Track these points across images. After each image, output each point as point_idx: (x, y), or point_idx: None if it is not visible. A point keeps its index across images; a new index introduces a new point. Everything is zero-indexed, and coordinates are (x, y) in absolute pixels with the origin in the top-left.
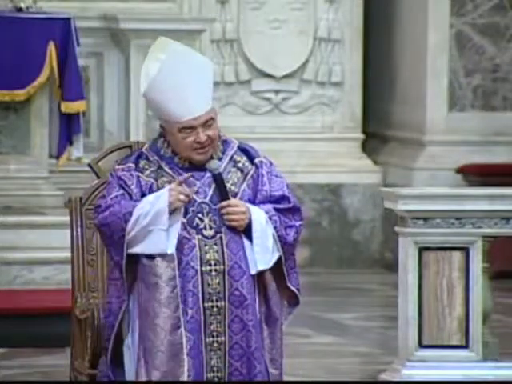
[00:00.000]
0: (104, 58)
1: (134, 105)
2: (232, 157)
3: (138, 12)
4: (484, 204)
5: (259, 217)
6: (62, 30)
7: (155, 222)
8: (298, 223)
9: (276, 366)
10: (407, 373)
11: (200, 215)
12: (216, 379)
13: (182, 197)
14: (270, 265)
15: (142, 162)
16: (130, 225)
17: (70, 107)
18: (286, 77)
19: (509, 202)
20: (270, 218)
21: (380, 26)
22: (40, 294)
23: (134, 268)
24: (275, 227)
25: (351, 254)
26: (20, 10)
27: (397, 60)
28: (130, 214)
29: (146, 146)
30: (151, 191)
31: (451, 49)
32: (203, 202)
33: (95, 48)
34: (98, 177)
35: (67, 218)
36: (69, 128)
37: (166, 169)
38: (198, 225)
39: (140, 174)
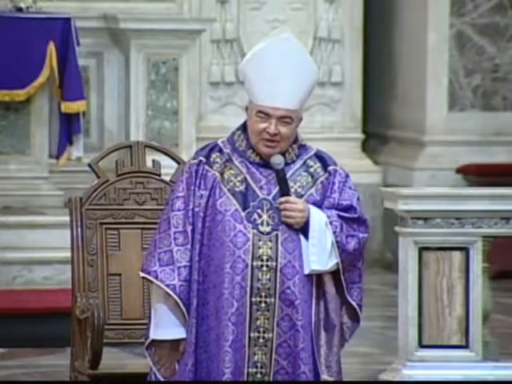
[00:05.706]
0: (104, 58)
1: (134, 105)
2: (306, 161)
3: (138, 12)
4: (484, 204)
5: (319, 217)
6: (62, 30)
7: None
8: (361, 235)
9: (331, 373)
10: (407, 373)
11: (259, 211)
12: (259, 375)
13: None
14: (326, 268)
15: (214, 155)
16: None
17: (70, 107)
18: None
19: (509, 201)
20: (331, 223)
21: (380, 26)
22: (40, 294)
23: None
24: (335, 232)
25: None
26: (20, 10)
27: (397, 60)
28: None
29: (224, 138)
30: (214, 183)
31: (451, 49)
32: (265, 199)
33: (95, 48)
34: (98, 177)
35: (67, 218)
36: (69, 128)
37: (236, 162)
38: (255, 220)
39: (209, 169)
